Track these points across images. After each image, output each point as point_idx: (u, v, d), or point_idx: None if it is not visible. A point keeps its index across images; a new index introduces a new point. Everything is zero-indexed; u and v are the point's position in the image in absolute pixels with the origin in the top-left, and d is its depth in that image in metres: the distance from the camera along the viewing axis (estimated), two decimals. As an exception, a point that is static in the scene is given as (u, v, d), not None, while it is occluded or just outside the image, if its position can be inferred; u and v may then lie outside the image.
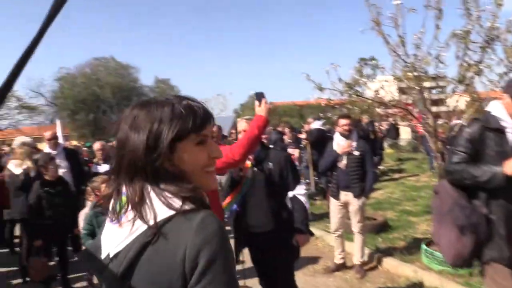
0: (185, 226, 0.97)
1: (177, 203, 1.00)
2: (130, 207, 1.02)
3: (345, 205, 5.20)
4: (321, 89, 6.18)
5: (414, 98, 6.58)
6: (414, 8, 5.87)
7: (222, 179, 3.58)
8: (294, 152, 10.72)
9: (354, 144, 5.08)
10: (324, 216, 7.74)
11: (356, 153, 5.02)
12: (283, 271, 3.31)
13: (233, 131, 9.35)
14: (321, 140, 9.75)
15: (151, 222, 0.98)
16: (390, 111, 7.76)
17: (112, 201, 1.08)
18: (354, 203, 5.07)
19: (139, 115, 1.05)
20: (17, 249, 6.62)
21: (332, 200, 5.26)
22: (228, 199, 3.40)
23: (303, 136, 11.01)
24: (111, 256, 1.04)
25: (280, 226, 3.29)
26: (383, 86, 6.91)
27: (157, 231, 0.97)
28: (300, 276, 5.20)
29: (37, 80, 37.20)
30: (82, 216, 4.40)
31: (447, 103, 6.51)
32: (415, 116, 6.67)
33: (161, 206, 0.99)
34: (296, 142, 10.99)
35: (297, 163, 10.66)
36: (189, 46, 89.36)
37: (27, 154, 5.86)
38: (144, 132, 1.02)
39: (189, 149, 1.05)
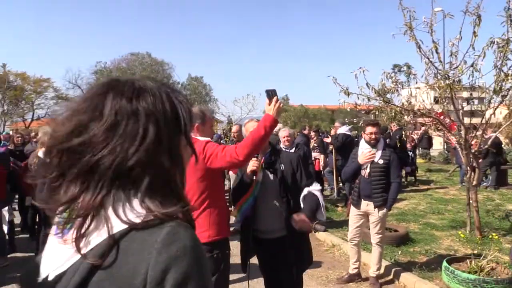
0: (148, 242, 0.78)
1: (140, 213, 0.81)
2: (78, 217, 0.82)
3: (366, 215, 4.97)
4: (347, 93, 6.02)
5: (445, 107, 6.30)
6: (451, 14, 5.62)
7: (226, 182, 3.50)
8: (319, 156, 10.54)
9: (379, 153, 4.82)
10: (344, 224, 7.52)
11: (381, 161, 4.78)
12: (290, 280, 3.17)
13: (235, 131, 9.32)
14: (347, 146, 9.55)
15: (104, 237, 0.79)
16: (420, 120, 7.48)
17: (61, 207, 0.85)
18: (375, 214, 4.85)
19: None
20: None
21: (352, 208, 5.06)
22: (239, 203, 3.28)
23: (328, 140, 10.80)
24: (50, 279, 0.83)
25: (292, 231, 3.14)
26: (414, 94, 6.67)
27: (111, 248, 0.79)
28: (312, 284, 5.05)
29: (75, 72, 38.45)
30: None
31: (484, 115, 6.19)
32: (446, 126, 6.38)
33: (119, 217, 0.81)
34: (322, 147, 10.80)
35: (321, 168, 10.49)
36: (223, 46, 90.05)
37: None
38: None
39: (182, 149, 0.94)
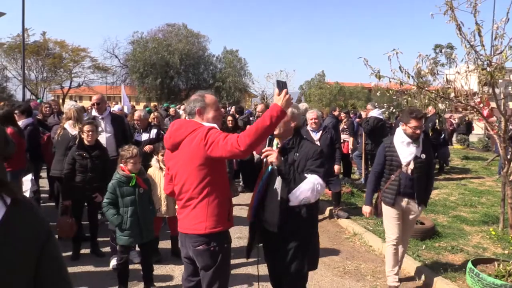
0: None
1: None
2: None
3: (402, 213, 4.49)
4: (378, 76, 5.68)
5: (485, 95, 5.85)
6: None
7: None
8: (348, 139, 10.22)
9: (419, 146, 4.33)
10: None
11: (423, 156, 4.32)
12: (294, 276, 3.03)
13: (259, 110, 9.04)
14: (378, 130, 9.21)
15: None
16: (458, 107, 7.03)
17: None
18: (415, 212, 4.43)
19: None
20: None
21: (387, 208, 4.47)
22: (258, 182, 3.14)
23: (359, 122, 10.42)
24: None
25: (297, 226, 2.98)
26: (453, 79, 6.21)
27: None
28: (327, 275, 4.90)
29: (112, 42, 38.96)
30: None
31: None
32: (483, 115, 5.95)
33: None
34: (352, 129, 10.45)
35: (349, 151, 10.18)
36: (260, 20, 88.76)
37: (79, 117, 6.03)
38: None
39: None
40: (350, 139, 10.40)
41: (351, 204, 8.01)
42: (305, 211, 2.98)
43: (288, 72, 19.99)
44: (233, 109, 13.34)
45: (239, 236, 6.03)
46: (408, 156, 4.30)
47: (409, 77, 5.51)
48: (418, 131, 4.26)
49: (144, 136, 6.67)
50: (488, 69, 5.08)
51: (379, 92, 6.11)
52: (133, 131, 7.26)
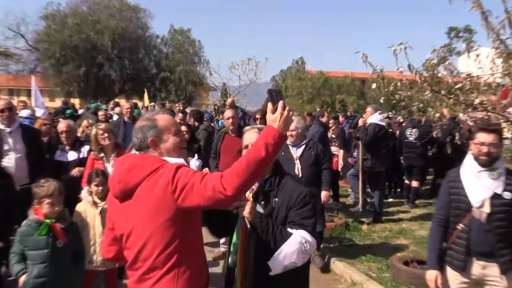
0: None
1: None
2: None
3: (475, 283, 3.96)
4: (381, 77, 5.78)
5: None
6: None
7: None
8: (338, 152, 10.35)
9: (501, 179, 3.76)
10: (369, 250, 7.42)
11: (507, 195, 3.72)
12: None
13: (258, 116, 9.01)
14: (379, 140, 9.33)
15: None
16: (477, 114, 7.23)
17: None
18: (499, 283, 3.78)
19: None
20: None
21: (451, 272, 3.97)
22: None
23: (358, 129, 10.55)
24: None
25: None
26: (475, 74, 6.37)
27: None
28: None
29: (17, 15, 38.04)
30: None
31: None
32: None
33: None
34: (342, 139, 10.58)
35: (339, 167, 10.30)
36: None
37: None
38: None
39: None
40: (340, 152, 10.54)
41: (346, 241, 8.08)
42: (292, 277, 2.97)
43: (259, 61, 19.95)
44: (188, 110, 13.16)
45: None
46: (480, 193, 3.76)
47: (421, 79, 5.63)
48: (487, 150, 3.72)
49: (71, 155, 6.46)
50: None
51: (375, 84, 6.20)
52: (51, 147, 7.06)
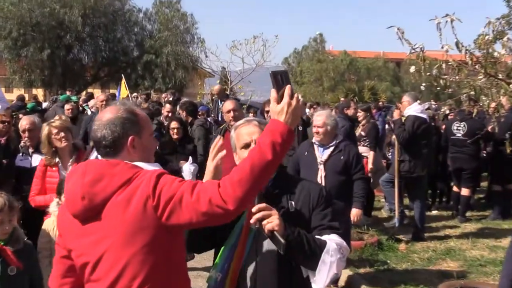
0: None
1: None
2: None
3: None
4: (422, 59, 5.78)
5: None
6: None
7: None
8: (368, 153, 10.31)
9: None
10: (409, 275, 7.39)
11: None
12: None
13: (268, 109, 9.03)
14: (418, 137, 9.27)
15: None
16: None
17: None
18: None
19: None
20: None
21: None
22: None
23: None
24: None
25: None
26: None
27: None
28: None
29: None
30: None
31: None
32: None
33: None
34: (374, 136, 10.54)
35: (368, 173, 10.26)
36: None
37: None
38: None
39: None
40: (371, 154, 10.49)
41: (379, 264, 8.06)
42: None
43: (267, 39, 19.78)
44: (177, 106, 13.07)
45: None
46: None
47: (473, 59, 5.63)
48: None
49: (36, 160, 6.49)
50: None
51: (414, 67, 6.19)
52: (10, 149, 7.11)
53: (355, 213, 6.77)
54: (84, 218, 2.58)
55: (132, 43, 42.66)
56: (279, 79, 2.53)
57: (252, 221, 2.85)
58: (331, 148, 6.74)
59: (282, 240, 2.77)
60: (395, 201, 9.91)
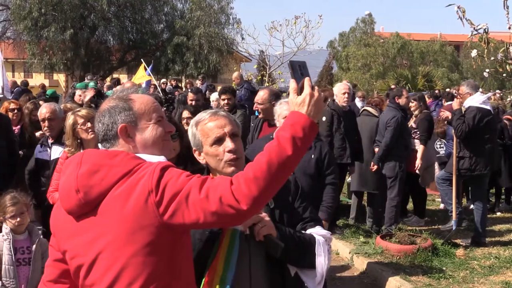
0: None
1: None
2: None
3: None
4: (486, 41, 5.70)
5: None
6: None
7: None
8: (418, 147, 10.23)
9: None
10: (467, 284, 7.34)
11: None
12: None
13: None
14: (480, 131, 9.16)
15: None
16: None
17: None
18: None
19: None
20: None
21: None
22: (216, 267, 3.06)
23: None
24: None
25: None
26: None
27: None
28: None
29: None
30: None
31: None
32: None
33: None
34: (426, 128, 10.42)
35: (417, 167, 10.16)
36: None
37: None
38: None
39: None
40: (420, 148, 10.37)
41: (433, 271, 7.99)
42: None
43: (310, 20, 19.67)
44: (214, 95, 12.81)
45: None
46: None
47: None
48: None
49: (55, 152, 6.55)
50: None
51: (475, 51, 6.09)
52: (25, 139, 7.21)
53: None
54: (78, 214, 2.55)
55: (161, 24, 43.16)
56: (298, 69, 2.55)
57: (241, 228, 2.92)
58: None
59: (281, 244, 2.86)
60: (453, 201, 9.80)
